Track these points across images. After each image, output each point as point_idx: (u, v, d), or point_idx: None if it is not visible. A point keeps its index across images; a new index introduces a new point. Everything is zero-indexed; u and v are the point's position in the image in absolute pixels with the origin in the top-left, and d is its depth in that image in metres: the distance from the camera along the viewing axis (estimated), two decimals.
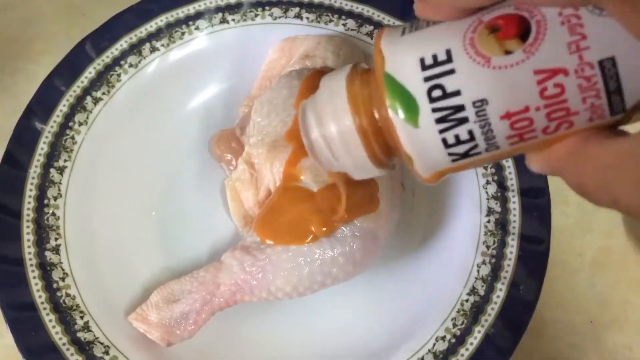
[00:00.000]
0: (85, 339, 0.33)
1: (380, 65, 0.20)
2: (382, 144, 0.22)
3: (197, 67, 0.42)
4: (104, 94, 0.39)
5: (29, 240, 0.34)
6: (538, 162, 0.20)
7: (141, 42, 0.40)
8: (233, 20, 0.42)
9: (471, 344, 0.33)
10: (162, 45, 0.41)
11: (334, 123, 0.22)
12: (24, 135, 0.37)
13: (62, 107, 0.38)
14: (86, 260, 0.35)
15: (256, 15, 0.42)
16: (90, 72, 0.39)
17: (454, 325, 0.34)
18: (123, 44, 0.40)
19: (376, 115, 0.21)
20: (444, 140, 0.19)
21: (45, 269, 0.34)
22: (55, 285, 0.34)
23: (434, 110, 0.19)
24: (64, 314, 0.33)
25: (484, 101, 0.18)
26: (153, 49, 0.41)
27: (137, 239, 0.38)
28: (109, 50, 0.40)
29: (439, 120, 0.19)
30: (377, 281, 0.37)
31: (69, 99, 0.38)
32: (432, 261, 0.37)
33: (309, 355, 0.35)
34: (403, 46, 0.20)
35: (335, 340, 0.36)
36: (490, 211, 0.37)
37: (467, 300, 0.35)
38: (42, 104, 0.38)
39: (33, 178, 0.36)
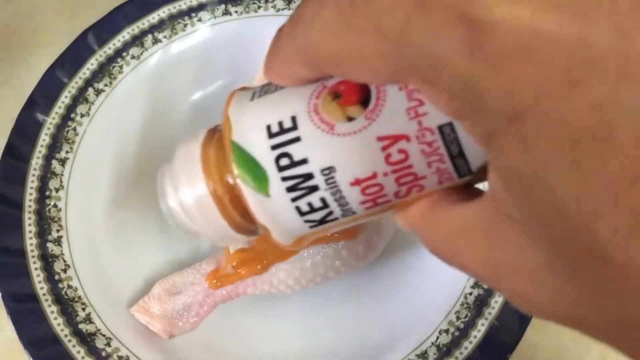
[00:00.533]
0: (87, 330, 0.33)
1: (227, 132, 0.19)
2: (240, 210, 0.20)
3: (199, 59, 0.41)
4: (106, 85, 0.39)
5: (30, 231, 0.34)
6: (399, 220, 0.19)
7: (143, 33, 0.40)
8: (236, 12, 0.42)
9: (475, 337, 0.33)
10: (165, 36, 0.41)
11: (189, 190, 0.21)
12: (26, 127, 0.37)
13: (64, 99, 0.38)
14: (88, 251, 0.35)
15: (259, 7, 0.42)
16: (92, 64, 0.39)
17: (458, 318, 0.34)
18: (125, 35, 0.40)
19: (230, 181, 0.20)
20: (298, 209, 0.19)
21: (47, 260, 0.34)
22: (57, 277, 0.34)
23: (284, 179, 0.18)
24: (66, 305, 0.33)
25: (331, 169, 0.18)
26: (155, 41, 0.40)
27: (139, 231, 0.37)
28: (111, 41, 0.40)
29: (289, 189, 0.18)
30: (379, 274, 0.37)
31: (71, 90, 0.38)
32: None
33: (310, 348, 0.35)
34: (250, 112, 0.19)
35: (338, 333, 0.36)
36: None
37: (470, 293, 0.34)
38: (44, 95, 0.38)
39: (35, 169, 0.36)
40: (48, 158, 0.36)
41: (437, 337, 0.33)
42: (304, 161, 0.18)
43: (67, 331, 0.32)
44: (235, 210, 0.20)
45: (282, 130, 0.18)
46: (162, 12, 0.41)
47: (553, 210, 0.12)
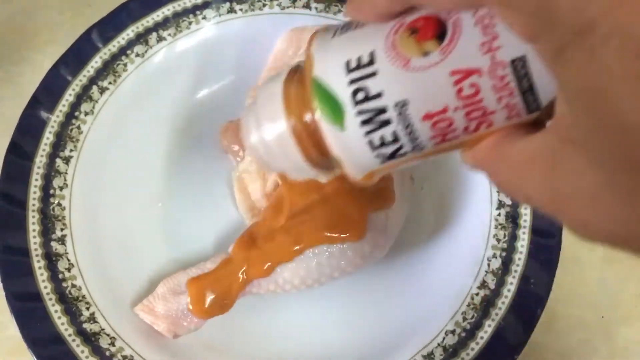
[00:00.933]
0: (91, 330, 0.32)
1: (308, 69, 0.20)
2: (316, 146, 0.21)
3: (204, 57, 0.41)
4: (110, 83, 0.39)
5: (34, 230, 0.34)
6: (467, 158, 0.20)
7: (148, 31, 0.40)
8: (241, 9, 0.41)
9: (481, 337, 0.33)
10: (169, 34, 0.40)
11: (271, 125, 0.22)
12: (30, 125, 0.36)
13: (68, 97, 0.38)
14: (92, 251, 0.35)
15: (264, 5, 0.41)
16: (96, 62, 0.39)
17: (464, 319, 0.34)
18: (130, 33, 0.40)
19: (308, 118, 0.21)
20: (370, 143, 0.20)
21: (51, 259, 0.34)
22: (61, 276, 0.33)
23: (359, 113, 0.19)
24: (70, 304, 0.33)
25: (404, 103, 0.19)
26: (160, 39, 0.40)
27: (144, 230, 0.37)
28: (116, 39, 0.39)
29: (363, 123, 0.19)
30: (386, 274, 0.37)
31: (75, 88, 0.38)
32: (441, 254, 0.37)
33: (315, 348, 0.35)
34: (331, 49, 0.20)
35: (343, 334, 0.35)
36: (500, 204, 0.36)
37: (477, 294, 0.34)
38: (48, 93, 0.37)
39: (39, 168, 0.36)
40: (52, 156, 0.36)
41: (444, 338, 0.33)
42: (378, 95, 0.19)
43: (71, 330, 0.32)
44: (312, 145, 0.21)
45: (360, 66, 0.19)
46: (167, 10, 0.41)
47: (615, 125, 0.12)
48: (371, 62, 0.19)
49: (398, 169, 0.22)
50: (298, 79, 0.22)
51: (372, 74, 0.19)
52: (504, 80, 0.18)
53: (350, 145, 0.20)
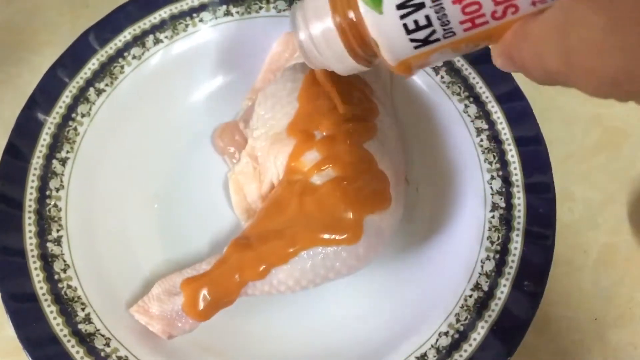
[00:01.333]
0: (86, 330, 0.33)
1: None
2: (358, 38, 0.24)
3: (200, 59, 0.41)
4: (107, 85, 0.39)
5: (30, 231, 0.34)
6: (496, 52, 0.22)
7: (145, 34, 0.40)
8: (237, 12, 0.42)
9: (474, 339, 0.33)
10: (166, 37, 0.41)
11: (317, 21, 0.24)
12: (27, 126, 0.37)
13: (65, 99, 0.38)
14: (88, 252, 0.35)
15: (260, 8, 0.42)
16: (93, 64, 0.39)
17: (458, 320, 0.34)
18: (126, 35, 0.40)
19: (351, 15, 0.23)
20: (405, 26, 0.21)
21: (47, 260, 0.34)
22: (56, 277, 0.34)
23: None
24: (65, 305, 0.33)
25: None
26: (157, 41, 0.40)
27: (139, 231, 0.37)
28: (112, 41, 0.40)
29: (399, 7, 0.21)
30: (380, 276, 0.37)
31: (72, 90, 0.38)
32: (435, 256, 0.37)
33: (310, 349, 0.35)
34: None
35: (338, 335, 0.36)
36: (494, 207, 0.36)
37: (470, 296, 0.34)
38: (45, 95, 0.38)
39: (35, 169, 0.36)
40: (48, 158, 0.36)
41: (437, 340, 0.33)
42: None
43: (66, 331, 0.32)
44: (354, 37, 0.24)
45: None
46: (164, 12, 0.41)
47: None
48: None
49: (431, 62, 0.23)
50: None
51: None
52: None
53: (387, 29, 0.22)
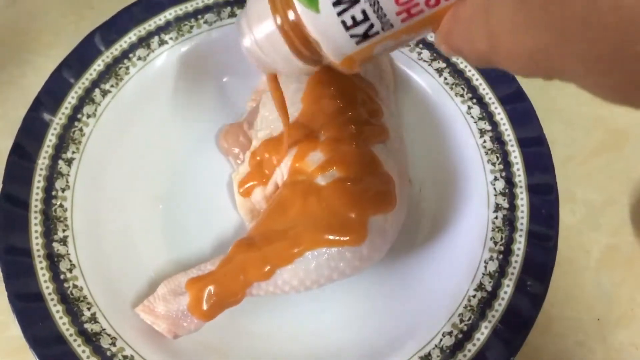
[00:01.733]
0: (92, 330, 0.33)
1: None
2: (301, 39, 0.24)
3: (205, 60, 0.42)
4: (112, 86, 0.39)
5: (36, 231, 0.34)
6: (438, 39, 0.22)
7: (150, 35, 0.41)
8: None
9: (478, 339, 0.33)
10: (171, 38, 0.41)
11: (260, 25, 0.25)
12: (33, 127, 0.37)
13: (71, 99, 0.38)
14: (93, 251, 0.35)
15: None
16: (99, 65, 0.39)
17: (461, 320, 0.34)
18: (132, 37, 0.40)
19: (290, 13, 0.23)
20: (343, 23, 0.22)
21: (53, 260, 0.34)
22: (62, 277, 0.34)
23: None
24: (71, 305, 0.33)
25: None
26: (162, 42, 0.41)
27: (145, 232, 0.38)
28: (118, 43, 0.40)
29: (335, 4, 0.21)
30: (383, 276, 0.37)
31: (78, 91, 0.38)
32: (439, 257, 0.37)
33: (314, 349, 0.35)
34: None
35: (342, 335, 0.36)
36: (498, 207, 0.37)
37: (474, 296, 0.34)
38: (50, 95, 0.38)
39: (41, 169, 0.36)
40: (54, 158, 0.36)
41: (441, 340, 0.34)
42: None
43: (72, 330, 0.32)
44: (297, 38, 0.24)
45: None
46: (169, 14, 0.41)
47: None
48: None
49: (376, 54, 0.23)
50: None
51: None
52: None
53: (326, 28, 0.22)
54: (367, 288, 0.37)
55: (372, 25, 0.22)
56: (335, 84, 0.36)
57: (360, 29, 0.22)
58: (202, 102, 0.42)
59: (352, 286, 0.36)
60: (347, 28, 0.22)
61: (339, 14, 0.21)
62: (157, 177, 0.39)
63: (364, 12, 0.21)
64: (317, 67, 0.26)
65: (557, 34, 0.16)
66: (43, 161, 0.36)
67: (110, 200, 0.37)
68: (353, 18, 0.21)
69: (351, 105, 0.36)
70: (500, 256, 0.35)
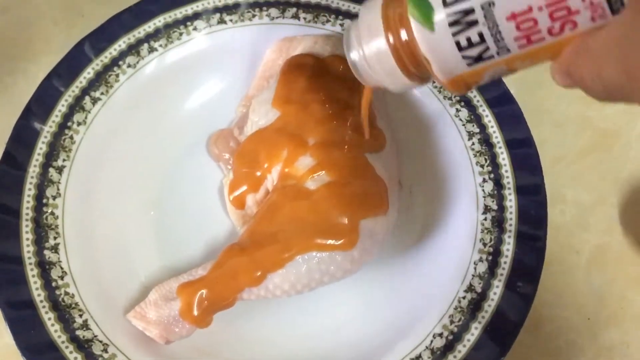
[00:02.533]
0: (84, 337, 0.33)
1: None
2: (410, 56, 0.23)
3: (195, 67, 0.42)
4: (102, 94, 0.39)
5: (27, 239, 0.34)
6: (555, 69, 0.21)
7: (139, 42, 0.41)
8: (231, 20, 0.42)
9: (468, 340, 0.33)
10: (160, 45, 0.41)
11: (370, 40, 0.24)
12: (23, 135, 0.37)
13: (61, 107, 0.38)
14: (85, 258, 0.35)
15: (254, 16, 0.42)
16: (88, 73, 0.39)
17: (451, 322, 0.34)
18: (121, 44, 0.40)
19: (403, 32, 0.23)
20: (458, 43, 0.21)
21: (44, 267, 0.34)
22: (54, 284, 0.34)
23: (448, 14, 0.21)
24: (63, 312, 0.33)
25: (490, 3, 0.20)
26: (151, 50, 0.41)
27: (136, 238, 0.38)
28: (108, 50, 0.40)
29: (451, 24, 0.21)
30: (374, 279, 0.37)
31: (68, 99, 0.39)
32: (429, 258, 0.37)
33: (306, 352, 0.35)
34: None
35: (333, 337, 0.36)
36: (487, 209, 0.37)
37: (464, 297, 0.35)
38: (41, 104, 0.38)
39: (32, 177, 0.36)
40: (45, 166, 0.37)
41: (431, 341, 0.34)
42: None
43: (64, 338, 0.32)
44: (407, 56, 0.24)
45: None
46: (158, 21, 0.41)
47: None
48: None
49: (485, 79, 0.23)
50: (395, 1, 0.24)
51: None
52: None
53: (439, 46, 0.22)
54: (357, 291, 0.37)
55: (487, 49, 0.21)
56: (318, 86, 0.37)
57: (474, 51, 0.21)
58: (192, 108, 0.42)
59: (343, 289, 0.36)
60: (460, 49, 0.21)
61: (454, 34, 0.21)
62: (148, 184, 0.40)
63: (480, 34, 0.21)
64: (423, 84, 0.26)
65: None
66: (34, 169, 0.36)
67: (102, 207, 0.38)
68: (468, 39, 0.21)
69: (340, 109, 0.36)
70: (490, 257, 0.36)
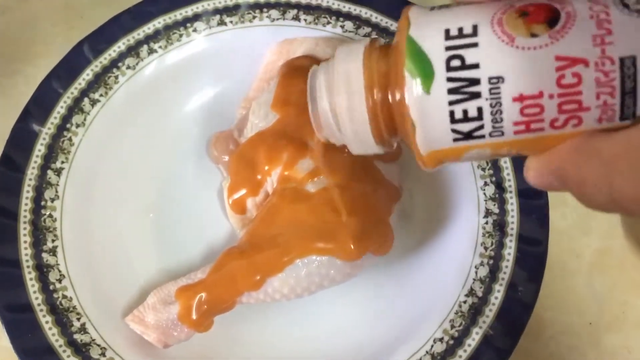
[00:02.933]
0: (81, 340, 0.33)
1: (404, 28, 0.20)
2: (388, 122, 0.21)
3: (194, 69, 0.42)
4: (101, 95, 0.39)
5: (25, 241, 0.34)
6: (538, 163, 0.20)
7: (139, 44, 0.41)
8: (231, 22, 0.42)
9: (469, 345, 0.33)
10: (160, 47, 0.41)
11: (345, 95, 0.22)
12: (21, 137, 0.37)
13: (60, 109, 0.38)
14: (83, 261, 0.35)
15: (254, 17, 0.42)
16: (87, 74, 0.39)
17: (452, 326, 0.34)
18: (121, 45, 0.40)
19: (389, 93, 0.21)
20: (452, 113, 0.19)
21: (42, 270, 0.34)
22: (51, 287, 0.34)
23: (449, 79, 0.19)
24: (61, 315, 0.33)
25: (500, 79, 0.18)
26: (151, 51, 0.41)
27: (135, 241, 0.38)
28: (107, 52, 0.40)
29: (451, 91, 0.19)
30: (374, 283, 0.37)
31: (67, 100, 0.38)
32: (429, 263, 0.37)
33: (306, 356, 0.35)
34: (430, 17, 0.20)
35: (332, 342, 0.36)
36: (488, 212, 0.37)
37: (465, 302, 0.34)
38: (39, 105, 0.38)
39: (30, 179, 0.36)
40: (43, 168, 0.36)
41: (432, 346, 0.34)
42: (475, 66, 0.19)
43: (61, 341, 0.32)
44: (384, 120, 0.21)
45: (461, 35, 0.19)
46: (158, 23, 0.41)
47: None
48: (474, 33, 0.19)
49: (462, 160, 0.21)
50: (381, 50, 0.22)
51: (473, 45, 0.19)
52: (609, 76, 0.18)
53: (430, 111, 0.19)
54: (357, 294, 0.37)
55: (481, 127, 0.19)
56: None
57: (466, 127, 0.19)
58: (192, 110, 0.42)
59: (343, 293, 0.36)
60: (453, 120, 0.19)
61: (451, 102, 0.19)
62: (147, 186, 0.39)
63: (479, 109, 0.19)
64: (384, 151, 0.24)
65: None
66: (32, 171, 0.36)
67: (100, 210, 0.37)
68: (465, 112, 0.19)
69: None
70: (491, 261, 0.35)
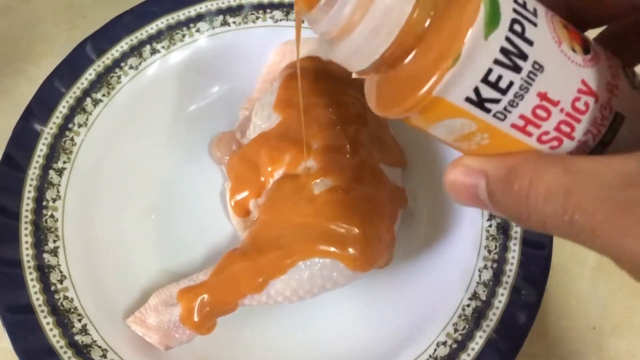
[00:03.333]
0: (83, 342, 0.32)
1: None
2: (422, 38, 0.19)
3: (197, 69, 0.41)
4: (104, 95, 0.39)
5: (27, 242, 0.34)
6: (479, 161, 0.20)
7: (141, 44, 0.40)
8: (234, 22, 0.42)
9: (472, 349, 0.33)
10: (163, 47, 0.41)
11: None
12: (23, 137, 0.37)
13: (62, 109, 0.38)
14: (84, 262, 0.35)
15: (257, 18, 0.42)
16: (90, 74, 0.39)
17: (455, 330, 0.34)
18: (123, 45, 0.40)
19: (448, 14, 0.18)
20: (489, 72, 0.18)
21: (43, 271, 0.34)
22: (53, 288, 0.33)
23: (507, 39, 0.18)
24: (62, 316, 0.33)
25: (541, 68, 0.19)
26: (153, 51, 0.40)
27: (136, 242, 0.37)
28: (109, 52, 0.40)
29: (502, 51, 0.18)
30: (378, 285, 0.37)
31: (69, 100, 0.38)
32: (433, 265, 0.37)
33: (308, 358, 0.35)
34: None
35: (335, 345, 0.35)
36: (492, 215, 0.36)
37: (468, 305, 0.34)
38: (41, 105, 0.38)
39: (32, 179, 0.36)
40: (45, 168, 0.36)
41: (435, 349, 0.33)
42: (530, 42, 0.19)
43: (62, 342, 0.32)
44: (417, 35, 0.19)
45: (525, 7, 0.19)
46: (161, 23, 0.41)
47: None
48: (535, 13, 0.19)
49: (443, 130, 0.20)
50: None
51: (533, 23, 0.19)
52: (604, 120, 0.20)
53: (476, 59, 0.18)
54: (360, 298, 0.37)
55: (497, 101, 0.18)
56: (321, 89, 0.36)
57: (487, 93, 0.18)
58: (194, 110, 0.42)
59: (346, 296, 0.36)
60: (483, 80, 0.18)
61: (495, 62, 0.18)
62: (149, 187, 0.39)
63: (511, 83, 0.18)
64: (366, 75, 0.21)
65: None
66: (34, 171, 0.36)
67: (102, 210, 0.37)
68: (498, 78, 0.18)
69: (344, 112, 0.36)
70: (495, 265, 0.35)
